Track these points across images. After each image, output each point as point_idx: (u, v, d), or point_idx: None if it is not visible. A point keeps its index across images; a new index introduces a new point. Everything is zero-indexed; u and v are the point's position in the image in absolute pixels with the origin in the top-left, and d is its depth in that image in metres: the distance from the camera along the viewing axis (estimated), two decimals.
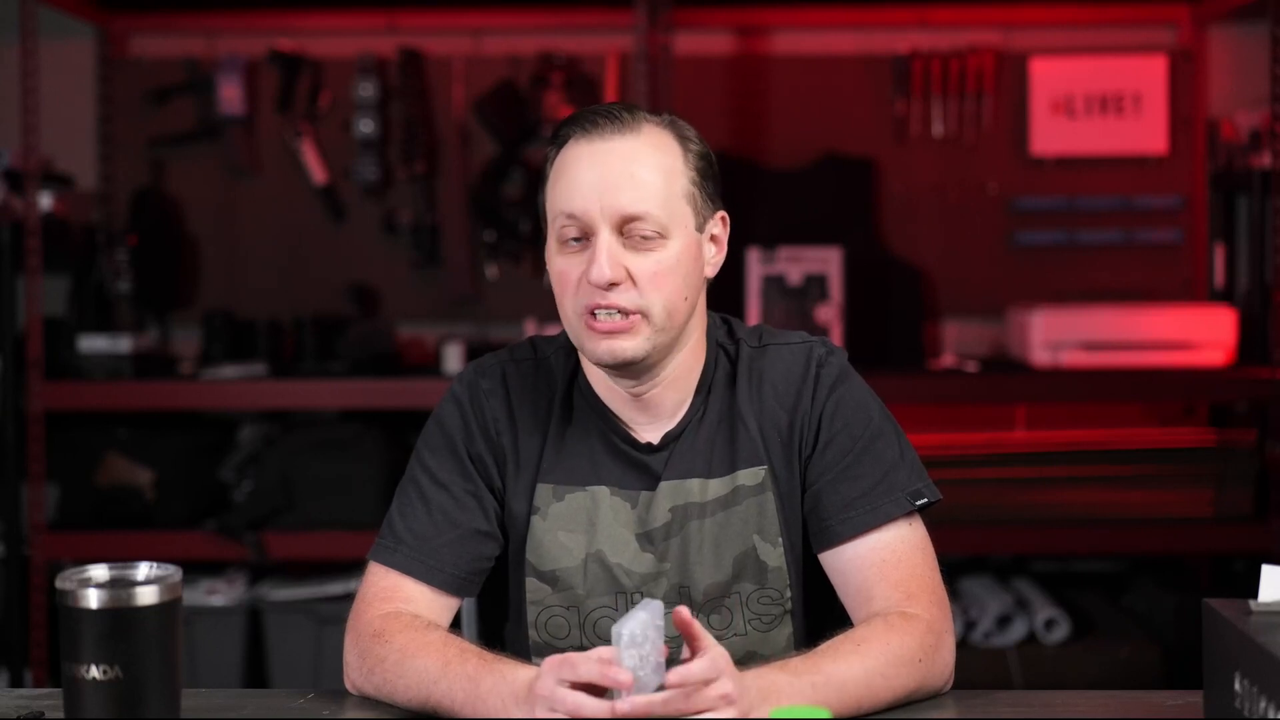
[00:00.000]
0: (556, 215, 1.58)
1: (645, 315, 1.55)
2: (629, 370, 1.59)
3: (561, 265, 1.58)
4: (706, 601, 1.62)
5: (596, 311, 1.54)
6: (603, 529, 1.62)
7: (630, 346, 1.55)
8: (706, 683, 1.30)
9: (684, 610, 1.34)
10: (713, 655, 1.32)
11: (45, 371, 3.58)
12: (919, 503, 1.59)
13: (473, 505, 1.62)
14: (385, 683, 1.49)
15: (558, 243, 1.59)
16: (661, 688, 1.31)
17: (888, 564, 1.56)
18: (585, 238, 1.56)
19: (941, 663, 1.51)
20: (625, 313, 1.54)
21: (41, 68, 3.65)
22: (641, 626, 1.30)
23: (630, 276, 1.54)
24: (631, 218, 1.54)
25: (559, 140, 1.62)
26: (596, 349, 1.56)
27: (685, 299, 1.58)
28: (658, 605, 1.34)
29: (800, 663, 1.42)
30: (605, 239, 1.54)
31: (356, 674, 1.54)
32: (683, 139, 1.61)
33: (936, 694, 1.52)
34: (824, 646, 1.46)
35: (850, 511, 1.58)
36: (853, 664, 1.43)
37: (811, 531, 1.62)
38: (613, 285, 1.53)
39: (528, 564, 1.63)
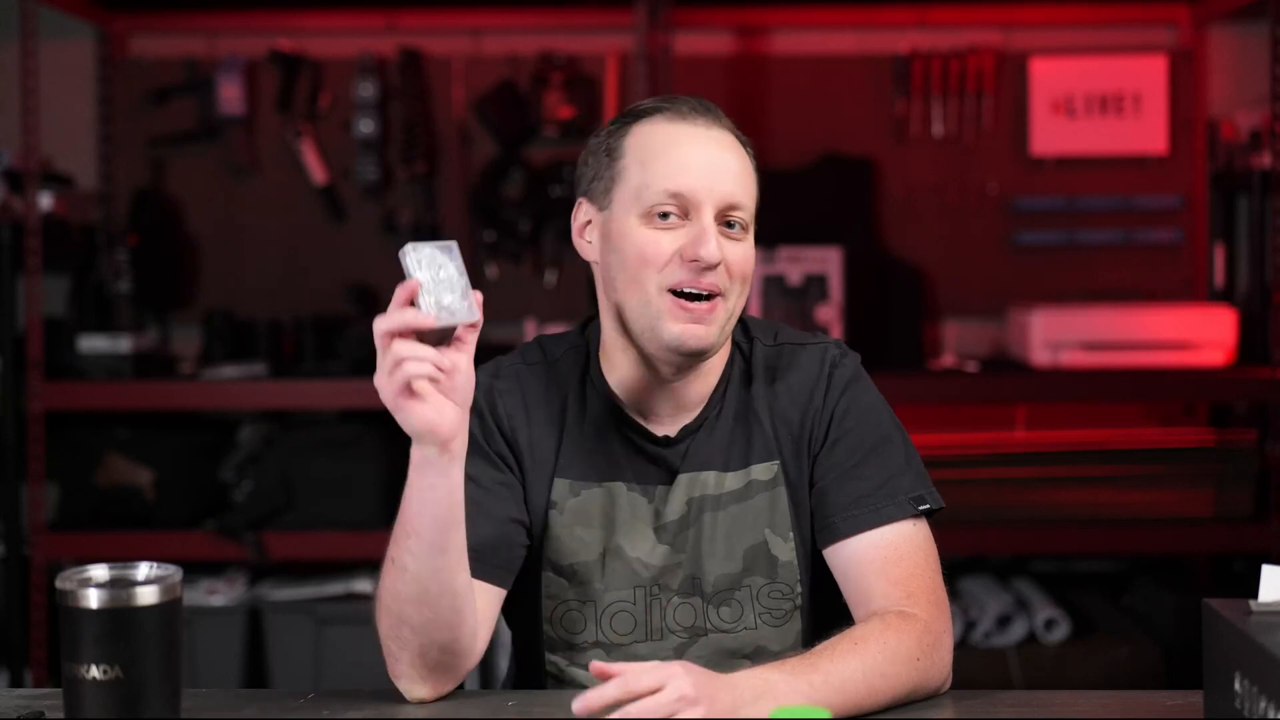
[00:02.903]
0: (655, 191, 1.57)
1: (725, 300, 1.58)
2: (691, 360, 1.60)
3: (649, 238, 1.58)
4: (716, 593, 1.63)
5: (686, 292, 1.56)
6: (621, 523, 1.63)
7: (711, 333, 1.57)
8: (652, 691, 1.30)
9: (595, 665, 1.35)
10: (629, 674, 1.31)
11: (45, 371, 3.58)
12: (921, 508, 1.60)
13: (504, 494, 1.62)
14: (387, 590, 1.49)
15: (642, 216, 1.58)
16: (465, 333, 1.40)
17: (889, 561, 1.57)
18: (682, 217, 1.57)
19: (940, 663, 1.51)
20: (711, 293, 1.57)
21: (41, 68, 3.65)
22: (431, 251, 1.38)
23: (724, 261, 1.57)
24: (733, 205, 1.58)
25: (630, 119, 1.63)
26: (682, 334, 1.57)
27: (749, 292, 1.63)
28: (452, 245, 1.40)
29: (798, 662, 1.42)
30: (710, 219, 1.57)
31: (383, 626, 1.51)
32: (746, 145, 1.65)
33: (935, 694, 1.52)
34: (822, 646, 1.46)
35: (854, 509, 1.59)
36: (850, 663, 1.43)
37: (817, 527, 1.63)
38: (713, 266, 1.56)
39: (545, 559, 1.64)
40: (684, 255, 1.56)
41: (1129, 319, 3.69)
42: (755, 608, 1.63)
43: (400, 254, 1.39)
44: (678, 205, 1.57)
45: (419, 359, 1.37)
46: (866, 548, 1.58)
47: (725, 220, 1.58)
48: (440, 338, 1.40)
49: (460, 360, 1.41)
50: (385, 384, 1.38)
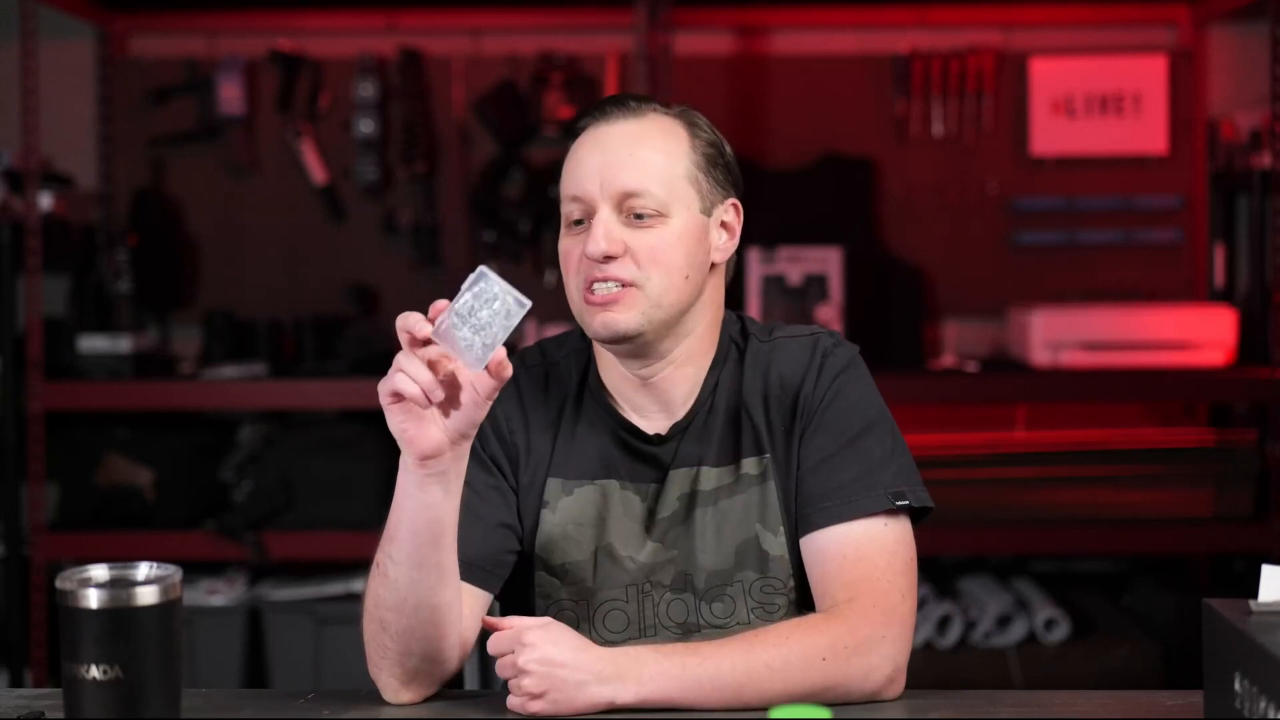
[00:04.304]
0: (563, 202, 1.63)
1: (641, 288, 1.58)
2: (630, 348, 1.61)
3: (564, 245, 1.63)
4: (708, 589, 1.63)
5: (594, 285, 1.58)
6: (613, 522, 1.64)
7: (625, 320, 1.58)
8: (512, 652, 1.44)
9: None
10: (499, 636, 1.46)
11: (45, 371, 3.58)
12: (900, 503, 1.57)
13: (495, 499, 1.63)
14: (370, 594, 1.51)
15: (564, 228, 1.64)
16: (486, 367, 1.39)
17: (847, 560, 1.55)
18: (588, 219, 1.60)
19: (864, 666, 1.49)
20: (622, 284, 1.58)
21: (41, 68, 3.65)
22: (498, 292, 1.35)
23: (629, 251, 1.58)
24: (629, 194, 1.58)
25: (574, 134, 1.66)
26: (593, 323, 1.59)
27: (686, 278, 1.61)
28: (525, 306, 1.37)
29: (684, 644, 1.49)
30: (604, 215, 1.59)
31: (367, 631, 1.53)
32: (692, 125, 1.65)
33: (872, 697, 1.50)
34: (734, 635, 1.51)
35: (826, 501, 1.58)
36: (737, 652, 1.46)
37: (796, 518, 1.62)
38: (609, 259, 1.57)
39: (537, 558, 1.64)
40: (583, 253, 1.59)
41: (1129, 319, 3.69)
42: (747, 602, 1.62)
43: (478, 269, 1.36)
44: (580, 209, 1.61)
45: (410, 379, 1.37)
46: (829, 543, 1.57)
47: (632, 212, 1.59)
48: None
49: (467, 396, 1.40)
50: (381, 382, 1.40)
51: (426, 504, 1.44)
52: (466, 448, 1.45)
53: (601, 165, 1.60)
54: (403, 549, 1.46)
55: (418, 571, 1.47)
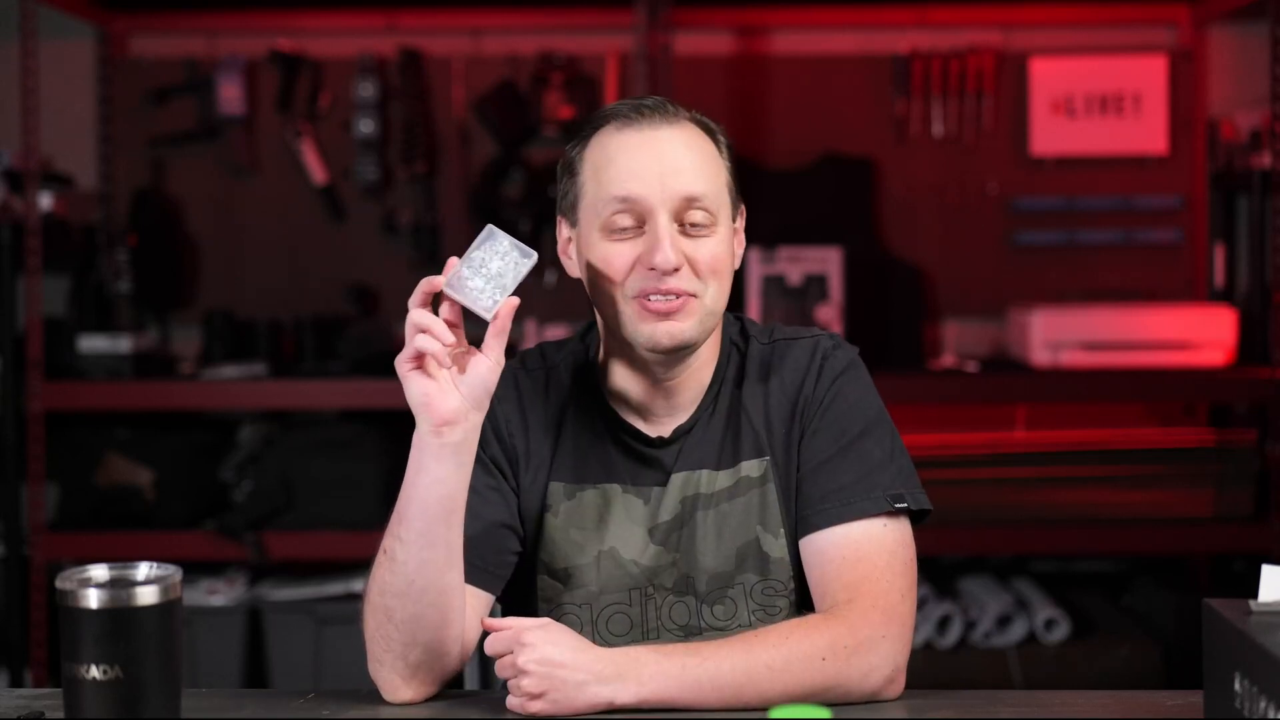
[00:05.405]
0: (606, 201, 1.58)
1: (699, 298, 1.58)
2: (676, 356, 1.60)
3: (608, 251, 1.59)
4: (709, 592, 1.63)
5: (652, 295, 1.56)
6: (615, 526, 1.64)
7: (686, 328, 1.58)
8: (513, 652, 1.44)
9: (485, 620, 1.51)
10: (498, 637, 1.46)
11: (45, 371, 3.58)
12: (899, 505, 1.58)
13: (496, 500, 1.63)
14: (375, 583, 1.50)
15: (603, 231, 1.59)
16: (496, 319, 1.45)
17: (846, 561, 1.56)
18: (638, 225, 1.57)
19: (864, 666, 1.49)
20: (679, 294, 1.57)
21: (41, 68, 3.65)
22: (508, 246, 1.45)
23: (689, 262, 1.57)
24: (692, 199, 1.57)
25: (588, 131, 1.63)
26: (654, 333, 1.57)
27: (729, 284, 1.63)
28: (532, 257, 1.45)
29: (684, 645, 1.49)
30: (665, 224, 1.56)
31: (369, 625, 1.53)
32: (712, 132, 1.66)
33: (872, 697, 1.50)
34: (729, 637, 1.51)
35: (825, 503, 1.58)
36: (737, 652, 1.46)
37: (796, 520, 1.62)
38: (675, 270, 1.56)
39: (540, 562, 1.65)
40: (642, 263, 1.56)
41: (1129, 319, 3.69)
42: (749, 605, 1.63)
43: (487, 227, 1.46)
44: (631, 213, 1.57)
45: (433, 336, 1.42)
46: (828, 545, 1.57)
47: (690, 221, 1.57)
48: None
49: (478, 362, 1.46)
50: (400, 354, 1.44)
51: (439, 478, 1.46)
52: (480, 420, 1.48)
53: (659, 168, 1.57)
54: (412, 527, 1.47)
55: (427, 551, 1.47)
